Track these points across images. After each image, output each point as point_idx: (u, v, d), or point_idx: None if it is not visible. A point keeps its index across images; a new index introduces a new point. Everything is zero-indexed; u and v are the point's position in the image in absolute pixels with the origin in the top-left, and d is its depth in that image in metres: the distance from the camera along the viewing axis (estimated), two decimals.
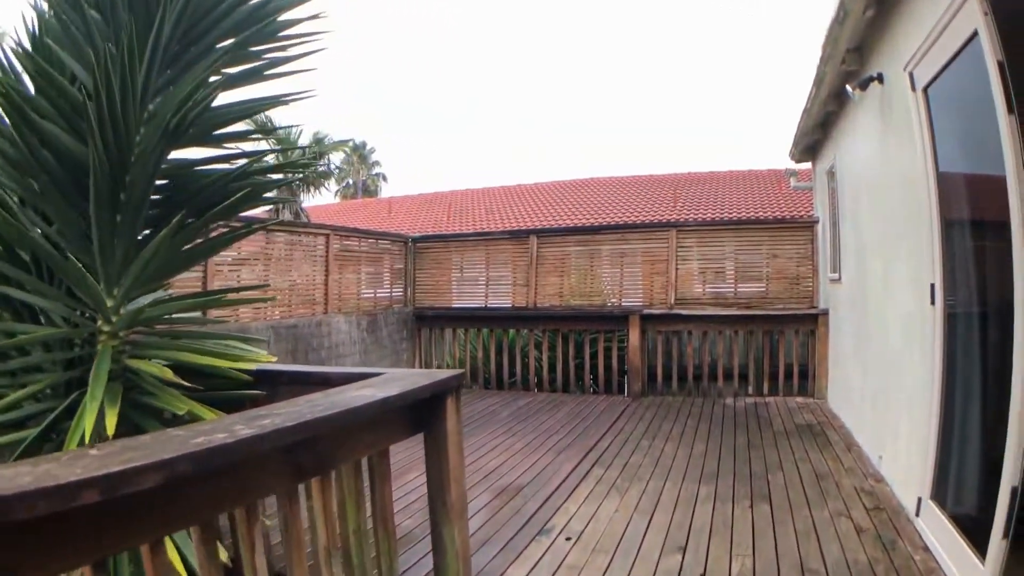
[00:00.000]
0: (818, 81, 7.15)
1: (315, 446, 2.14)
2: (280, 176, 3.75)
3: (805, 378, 9.70)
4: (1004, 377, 3.67)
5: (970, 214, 4.26)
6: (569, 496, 5.64)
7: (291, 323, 8.48)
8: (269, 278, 8.35)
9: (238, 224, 4.15)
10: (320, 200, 31.41)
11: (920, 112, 4.53)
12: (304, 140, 27.29)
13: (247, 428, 1.82)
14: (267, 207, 26.54)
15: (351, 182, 49.13)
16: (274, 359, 3.63)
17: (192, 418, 2.91)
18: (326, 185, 29.11)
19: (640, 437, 7.58)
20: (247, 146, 3.75)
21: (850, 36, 5.97)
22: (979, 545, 3.52)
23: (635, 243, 10.99)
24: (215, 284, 7.21)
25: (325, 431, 2.07)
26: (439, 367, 11.40)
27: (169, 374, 2.98)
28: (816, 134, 9.24)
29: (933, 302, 4.38)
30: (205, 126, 3.41)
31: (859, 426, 7.00)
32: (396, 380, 2.68)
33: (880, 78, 5.54)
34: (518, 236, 11.73)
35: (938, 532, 4.17)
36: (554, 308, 11.03)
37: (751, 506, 5.24)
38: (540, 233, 11.61)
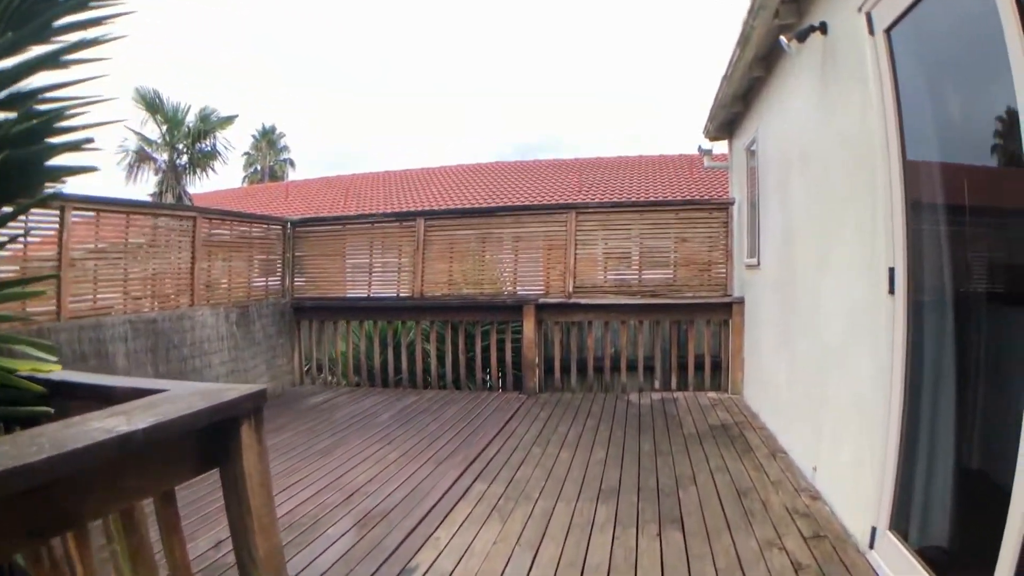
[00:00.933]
0: (743, 40, 6.29)
1: (48, 498, 1.61)
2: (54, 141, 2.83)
3: (718, 371, 9.00)
4: (989, 383, 3.05)
5: (943, 183, 3.47)
6: (443, 521, 4.70)
7: (151, 317, 7.45)
8: (128, 267, 7.45)
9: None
10: (218, 185, 29.69)
11: (880, 59, 3.69)
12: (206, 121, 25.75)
13: None
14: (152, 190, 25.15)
15: (259, 168, 47.38)
16: (58, 367, 2.77)
17: None
18: (212, 167, 27.11)
19: (532, 442, 6.67)
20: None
21: None
22: None
23: (531, 226, 10.02)
24: (69, 276, 6.46)
25: (37, 482, 1.52)
26: (319, 364, 10.36)
27: None
28: (736, 106, 8.42)
29: (892, 290, 3.58)
30: None
31: (785, 429, 6.22)
32: (162, 404, 2.01)
33: (823, 27, 4.72)
34: (404, 218, 10.61)
35: (902, 572, 3.35)
36: (443, 297, 9.98)
37: (659, 533, 4.35)
38: (428, 215, 10.44)
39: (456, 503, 5.03)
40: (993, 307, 3.17)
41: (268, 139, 47.56)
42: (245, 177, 46.54)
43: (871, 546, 3.70)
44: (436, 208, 20.15)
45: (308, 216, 13.96)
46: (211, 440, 2.04)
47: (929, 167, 3.59)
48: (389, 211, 17.80)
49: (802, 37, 4.93)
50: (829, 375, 4.81)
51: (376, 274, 10.39)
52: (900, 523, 3.51)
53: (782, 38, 5.14)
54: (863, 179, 3.97)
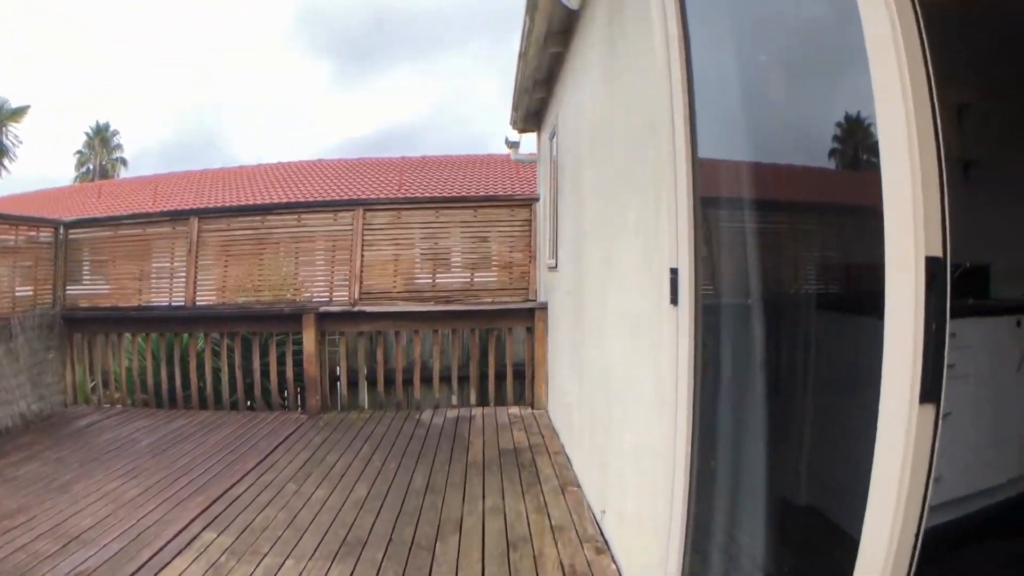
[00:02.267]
0: (531, 6, 5.40)
1: None
2: None
3: (524, 383, 8.14)
4: (813, 401, 2.29)
5: (753, 158, 2.70)
6: None
7: None
8: None
9: None
10: (40, 184, 26.99)
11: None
12: None
13: None
14: None
15: (91, 167, 44.07)
16: None
17: None
18: (3, 164, 24.19)
19: (291, 476, 5.63)
20: None
21: None
22: None
23: (315, 225, 8.91)
24: None
25: None
26: (93, 384, 8.87)
27: None
28: (540, 91, 7.58)
29: (675, 300, 2.72)
30: None
31: (579, 458, 5.38)
32: None
33: None
34: (177, 218, 9.26)
35: None
36: (217, 306, 8.72)
37: None
38: (202, 214, 9.15)
39: (172, 559, 4.08)
40: (815, 315, 2.46)
41: (102, 137, 44.81)
42: (77, 177, 43.97)
43: None
44: (212, 206, 18.60)
45: (82, 217, 12.27)
46: None
47: (735, 140, 2.79)
48: (163, 210, 16.01)
49: None
50: (612, 398, 4.00)
51: (153, 280, 9.05)
52: None
53: None
54: (648, 157, 3.15)
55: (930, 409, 1.37)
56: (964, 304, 3.96)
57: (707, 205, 2.81)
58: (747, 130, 2.74)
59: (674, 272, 2.73)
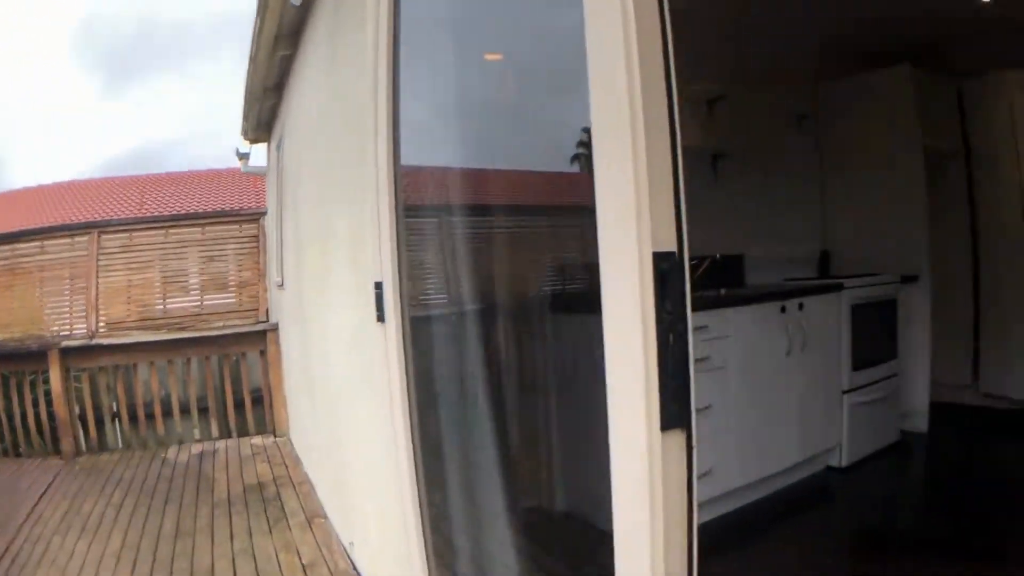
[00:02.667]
0: (262, 6, 5.03)
1: None
2: None
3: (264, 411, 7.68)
4: (544, 429, 2.40)
5: (465, 159, 2.68)
6: None
7: None
8: None
9: None
10: None
11: None
12: None
13: None
14: None
15: None
16: None
17: None
18: None
19: (56, 528, 5.08)
20: None
21: None
22: None
23: (57, 252, 8.18)
24: None
25: None
26: None
27: None
28: (271, 98, 7.08)
29: (382, 316, 2.53)
30: None
31: (323, 486, 5.10)
32: None
33: None
34: None
35: None
36: None
37: None
38: None
39: None
40: (543, 319, 2.59)
41: None
42: None
43: None
44: None
45: None
46: None
47: (447, 157, 2.74)
48: None
49: None
50: (340, 420, 3.84)
51: None
52: None
53: None
54: (354, 170, 2.98)
55: (678, 436, 1.08)
56: (716, 295, 4.03)
57: (425, 214, 2.67)
58: (460, 136, 2.64)
59: (379, 286, 2.55)
